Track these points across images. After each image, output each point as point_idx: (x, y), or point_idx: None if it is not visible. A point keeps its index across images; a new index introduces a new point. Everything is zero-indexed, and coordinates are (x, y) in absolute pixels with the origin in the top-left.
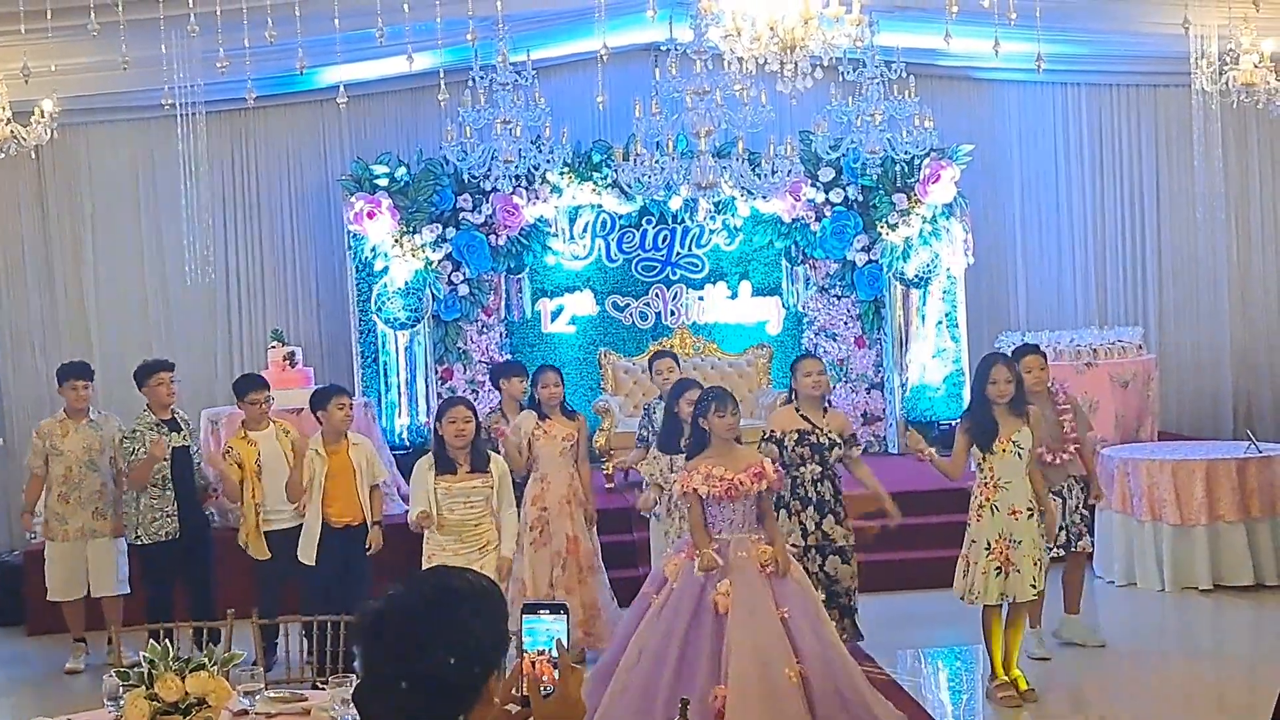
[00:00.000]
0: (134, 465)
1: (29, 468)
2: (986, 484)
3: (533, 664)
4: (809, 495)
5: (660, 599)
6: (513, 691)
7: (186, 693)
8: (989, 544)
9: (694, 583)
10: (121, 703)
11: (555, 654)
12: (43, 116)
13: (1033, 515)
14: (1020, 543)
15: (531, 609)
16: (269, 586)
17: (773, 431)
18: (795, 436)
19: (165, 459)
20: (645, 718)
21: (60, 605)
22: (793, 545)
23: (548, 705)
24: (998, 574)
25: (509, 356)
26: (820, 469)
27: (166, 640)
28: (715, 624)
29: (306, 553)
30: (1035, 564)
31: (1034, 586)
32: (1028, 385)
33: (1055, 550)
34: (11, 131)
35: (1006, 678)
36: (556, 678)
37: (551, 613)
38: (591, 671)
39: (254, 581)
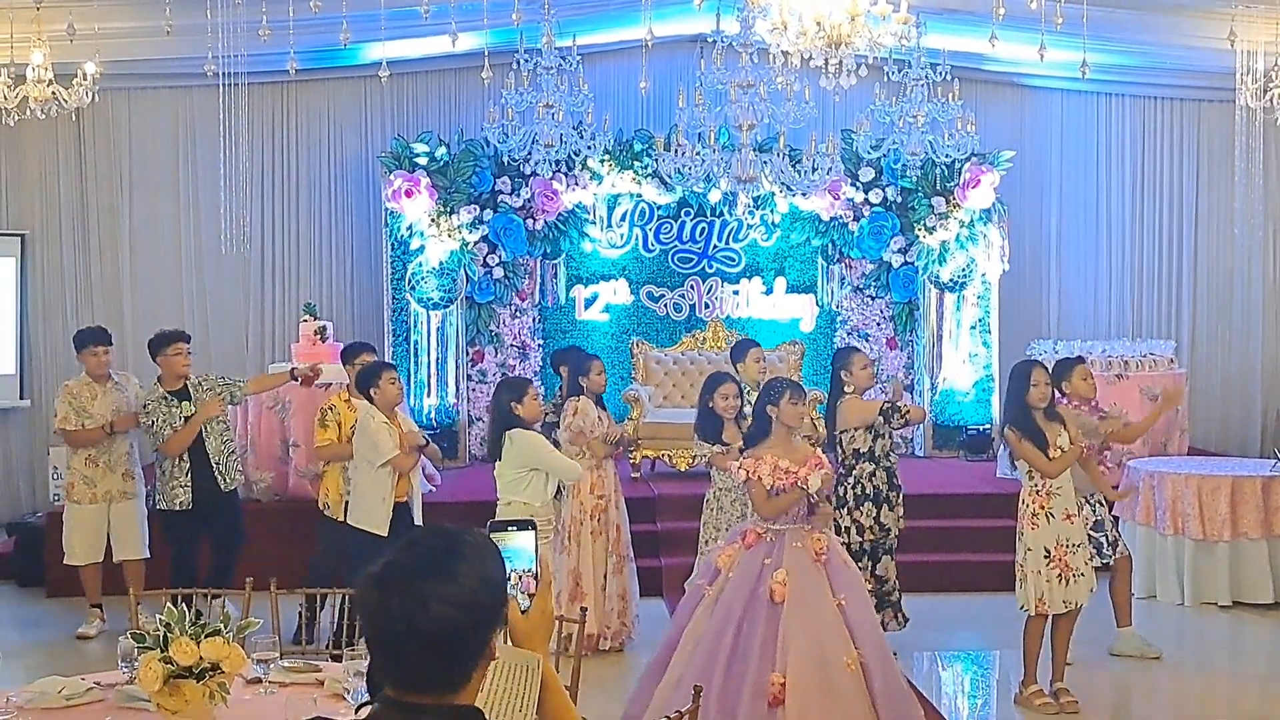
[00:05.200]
0: (165, 438)
1: (64, 426)
2: (1039, 491)
3: (520, 579)
4: (866, 491)
5: (714, 590)
6: None
7: (201, 657)
8: (1047, 551)
9: (750, 572)
10: (136, 665)
11: (534, 570)
12: (85, 79)
13: (1080, 510)
14: (1078, 546)
15: (500, 526)
16: (329, 556)
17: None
18: (890, 405)
19: (221, 414)
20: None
21: (79, 570)
22: (845, 544)
23: (526, 619)
24: (1060, 581)
25: (541, 342)
26: (872, 465)
27: (184, 605)
28: (770, 612)
29: (377, 521)
30: (1086, 563)
31: (1092, 590)
32: (1085, 393)
33: (1105, 559)
34: (53, 93)
35: (1047, 689)
36: (531, 591)
37: (519, 529)
38: (647, 665)
39: (316, 548)
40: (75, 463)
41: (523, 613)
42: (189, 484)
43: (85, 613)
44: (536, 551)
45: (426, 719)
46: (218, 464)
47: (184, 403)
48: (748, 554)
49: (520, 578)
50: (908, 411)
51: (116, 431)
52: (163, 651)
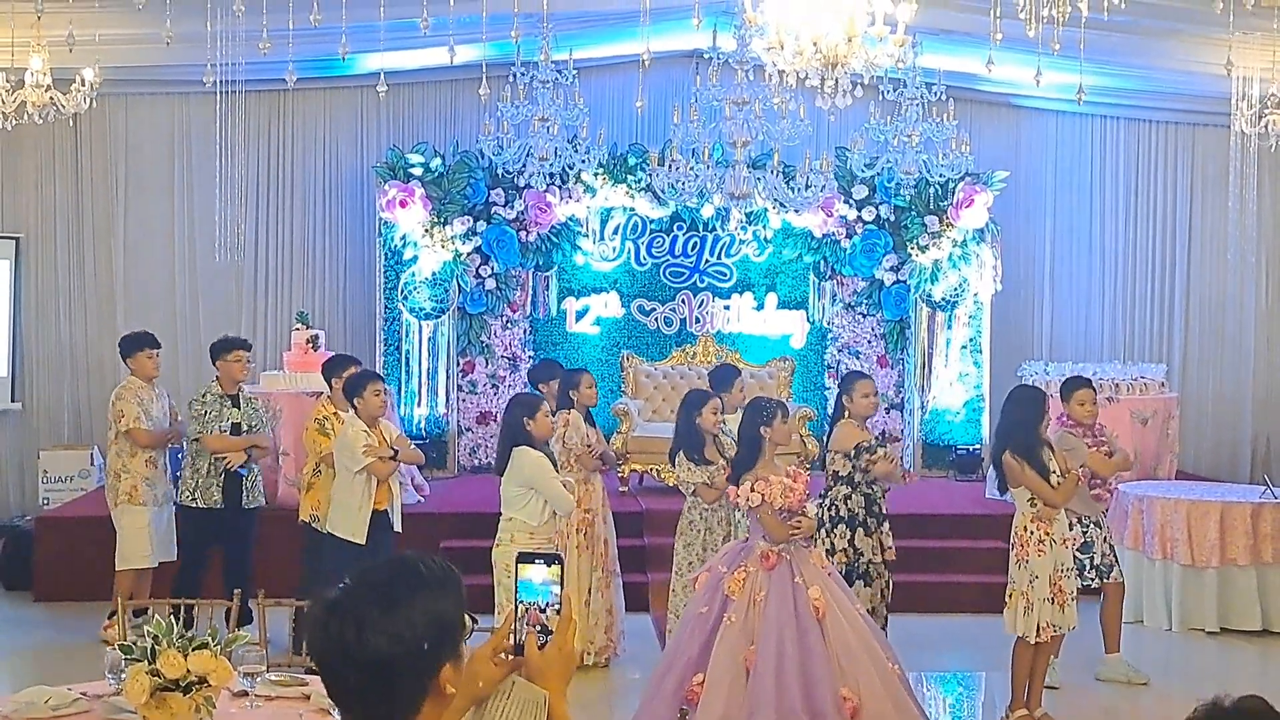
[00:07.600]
0: (212, 432)
1: (137, 426)
2: (1041, 518)
3: (527, 612)
4: (840, 513)
5: (738, 616)
6: (506, 640)
7: (188, 670)
8: (1049, 578)
9: (785, 593)
10: (123, 676)
11: (555, 605)
12: (83, 85)
13: (1069, 531)
14: (1070, 570)
15: (527, 558)
16: (322, 570)
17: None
18: (868, 444)
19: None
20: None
21: (121, 574)
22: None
23: (542, 656)
24: (1051, 605)
25: (532, 354)
26: (849, 489)
27: (185, 614)
28: (817, 628)
29: (354, 528)
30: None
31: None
32: (1081, 417)
33: (1087, 581)
34: (51, 98)
35: (1032, 715)
36: (548, 626)
37: (546, 563)
38: (650, 684)
39: (305, 559)
40: (135, 465)
41: (540, 648)
42: (221, 485)
43: (73, 617)
44: (562, 586)
45: None
46: (245, 482)
47: (235, 409)
48: (774, 575)
49: (527, 610)
50: (875, 460)
51: (176, 438)
52: (150, 663)
